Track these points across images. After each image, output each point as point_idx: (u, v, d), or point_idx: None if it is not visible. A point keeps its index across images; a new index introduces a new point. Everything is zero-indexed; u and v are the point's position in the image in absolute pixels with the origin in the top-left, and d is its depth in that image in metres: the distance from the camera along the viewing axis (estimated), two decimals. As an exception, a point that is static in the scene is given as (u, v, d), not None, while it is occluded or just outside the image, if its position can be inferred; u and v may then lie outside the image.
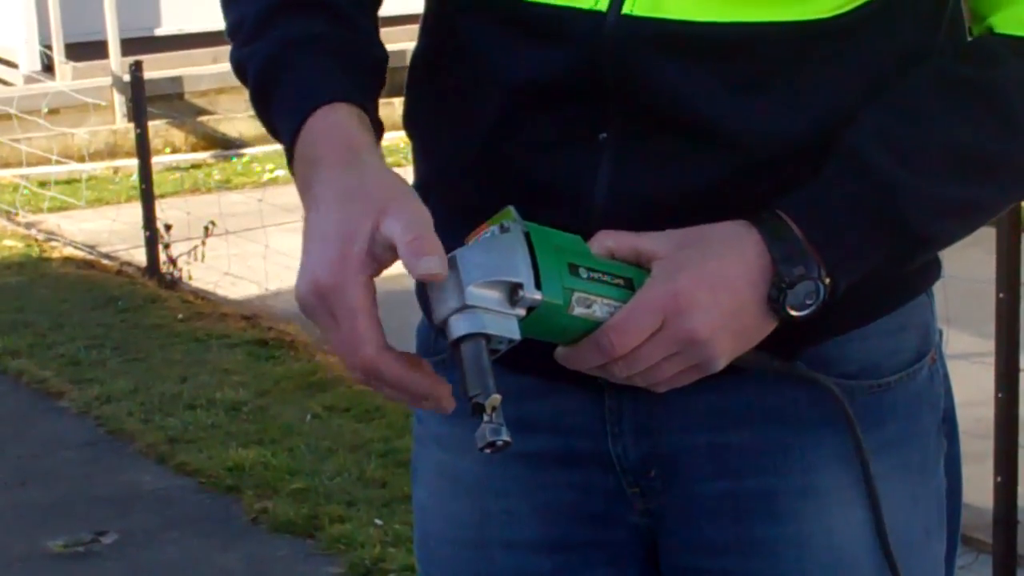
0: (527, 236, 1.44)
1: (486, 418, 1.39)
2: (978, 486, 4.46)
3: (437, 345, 1.72)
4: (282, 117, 1.55)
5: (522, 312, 1.42)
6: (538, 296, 1.42)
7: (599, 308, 1.46)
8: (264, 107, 1.58)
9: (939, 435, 1.71)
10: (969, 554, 4.48)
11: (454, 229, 1.48)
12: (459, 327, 1.41)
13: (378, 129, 1.55)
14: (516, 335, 1.42)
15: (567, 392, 1.63)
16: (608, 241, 1.50)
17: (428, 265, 1.39)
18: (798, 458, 1.63)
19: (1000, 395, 4.16)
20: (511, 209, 1.46)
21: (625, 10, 1.50)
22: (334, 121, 1.52)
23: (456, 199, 1.60)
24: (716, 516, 1.65)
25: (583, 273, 1.46)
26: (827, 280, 1.50)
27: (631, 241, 1.50)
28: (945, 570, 1.74)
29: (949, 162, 1.52)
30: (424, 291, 1.50)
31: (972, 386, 4.86)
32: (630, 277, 1.48)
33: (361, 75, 1.56)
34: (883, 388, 1.65)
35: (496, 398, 1.39)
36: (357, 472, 5.18)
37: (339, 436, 5.53)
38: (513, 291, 1.41)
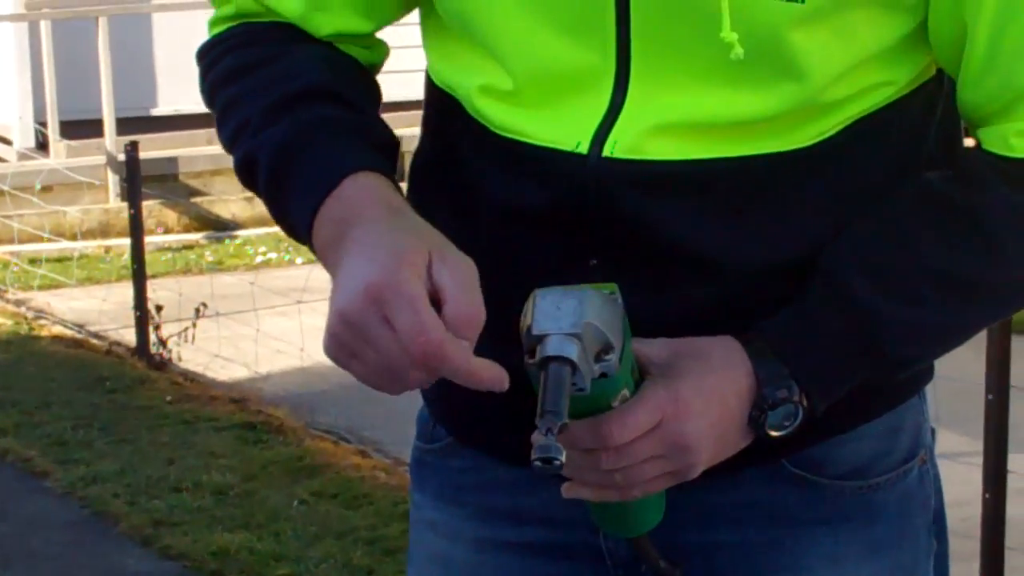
0: (625, 322, 1.47)
1: (550, 437, 1.38)
2: (965, 587, 4.48)
3: (435, 433, 1.75)
4: (303, 192, 1.54)
5: (597, 373, 1.44)
6: (613, 368, 1.44)
7: (622, 397, 1.48)
8: (278, 190, 1.58)
9: (929, 535, 1.72)
10: (956, 655, 4.49)
11: None
12: (561, 347, 1.40)
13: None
14: (585, 386, 1.43)
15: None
16: None
17: (492, 376, 1.41)
18: (789, 559, 1.65)
19: (987, 495, 4.18)
20: (615, 285, 1.47)
21: (605, 153, 1.53)
22: (369, 184, 1.52)
23: None
24: None
25: (634, 373, 1.49)
26: (806, 403, 1.53)
27: (637, 347, 1.51)
28: None
29: (929, 288, 1.54)
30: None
31: (960, 486, 4.87)
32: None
33: (380, 152, 1.57)
34: (873, 488, 1.67)
35: (566, 424, 1.38)
36: (343, 559, 5.18)
37: (326, 522, 5.54)
38: (604, 351, 1.43)
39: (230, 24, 1.69)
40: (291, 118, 1.57)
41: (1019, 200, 1.55)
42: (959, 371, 5.03)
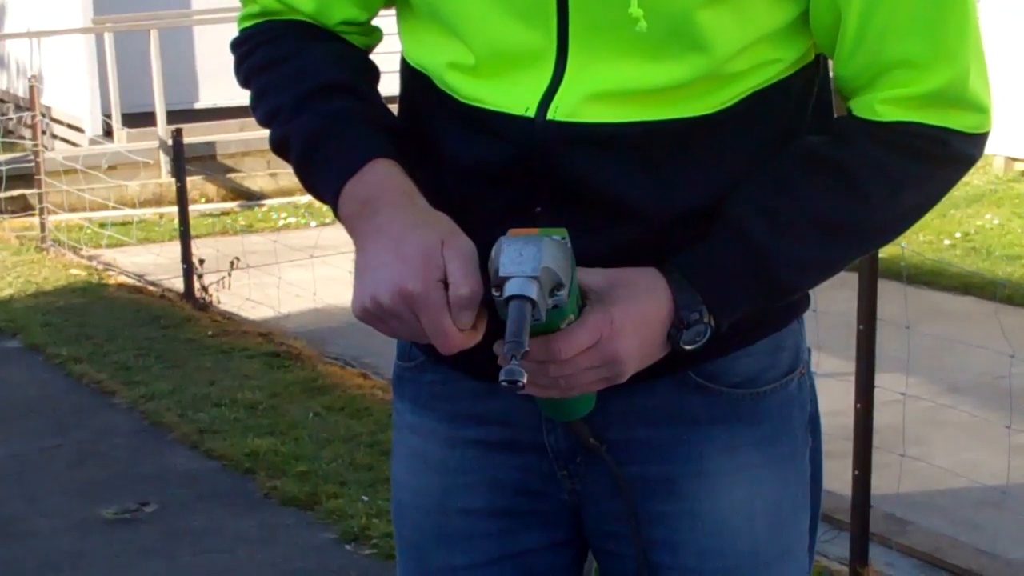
0: (572, 258, 1.46)
1: (516, 362, 1.38)
2: (840, 478, 4.50)
3: (411, 353, 1.75)
4: (331, 172, 1.56)
5: (551, 305, 1.43)
6: (565, 300, 1.44)
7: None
8: (309, 167, 1.59)
9: (805, 432, 1.73)
10: (831, 531, 4.51)
11: None
12: (521, 288, 1.40)
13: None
14: (542, 318, 1.42)
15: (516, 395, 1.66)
16: None
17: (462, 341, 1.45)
18: (693, 450, 1.65)
19: (859, 406, 4.20)
20: (565, 229, 1.47)
21: (549, 116, 1.52)
22: (385, 171, 1.55)
23: None
24: (628, 493, 1.67)
25: (577, 301, 1.49)
26: (713, 323, 1.54)
27: (580, 277, 1.50)
28: (809, 539, 1.76)
29: (809, 228, 1.54)
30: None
31: (837, 398, 4.90)
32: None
33: (389, 136, 1.59)
34: (761, 395, 1.67)
35: (527, 351, 1.39)
36: (349, 459, 5.19)
37: (335, 430, 5.54)
38: (556, 287, 1.43)
39: (257, 20, 1.69)
40: (315, 109, 1.58)
41: (879, 155, 1.55)
42: (837, 307, 5.07)
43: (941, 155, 1.56)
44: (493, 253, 1.43)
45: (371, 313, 1.48)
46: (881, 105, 1.55)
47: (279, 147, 1.62)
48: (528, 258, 1.42)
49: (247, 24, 1.70)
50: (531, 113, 1.53)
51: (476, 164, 1.58)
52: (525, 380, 1.37)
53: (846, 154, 1.55)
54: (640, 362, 1.53)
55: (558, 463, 1.69)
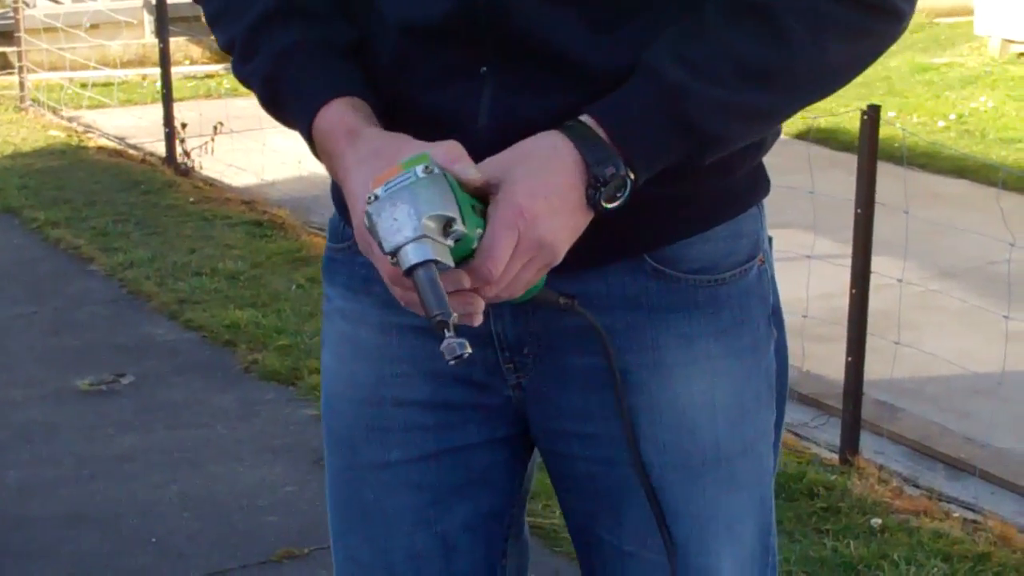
0: (446, 178, 1.36)
1: (449, 334, 1.32)
2: (832, 363, 4.46)
3: (344, 233, 1.67)
4: (294, 122, 1.53)
5: (451, 243, 1.34)
6: (463, 230, 1.34)
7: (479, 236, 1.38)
8: (277, 113, 1.55)
9: (768, 325, 1.65)
10: (822, 417, 4.47)
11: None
12: (416, 254, 1.32)
13: (367, 85, 1.51)
14: (451, 262, 1.34)
15: None
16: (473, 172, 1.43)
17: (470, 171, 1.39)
18: (649, 338, 1.58)
19: (854, 291, 4.11)
20: (427, 153, 1.37)
21: None
22: (332, 118, 1.49)
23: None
24: (581, 387, 1.59)
25: (477, 209, 1.38)
26: (632, 175, 1.43)
27: (462, 175, 1.40)
28: (774, 433, 1.69)
29: (732, 71, 1.44)
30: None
31: (831, 282, 4.84)
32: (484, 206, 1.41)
33: (340, 65, 1.51)
34: (719, 283, 1.60)
35: (455, 316, 1.32)
36: (331, 332, 5.10)
37: (318, 302, 5.41)
38: (448, 224, 1.33)
39: None
40: (265, 49, 1.53)
41: (809, 1, 1.45)
42: (834, 189, 4.98)
43: (872, 1, 1.46)
44: (367, 222, 1.34)
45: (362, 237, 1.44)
46: None
47: (244, 84, 1.58)
48: (404, 219, 1.32)
49: None
50: None
51: (415, 24, 1.49)
52: (468, 350, 1.32)
53: None
54: (570, 235, 1.43)
55: (504, 355, 1.61)
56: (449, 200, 1.34)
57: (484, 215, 1.39)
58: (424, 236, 1.32)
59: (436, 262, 1.32)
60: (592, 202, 1.42)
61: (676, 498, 1.60)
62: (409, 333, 1.62)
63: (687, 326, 1.58)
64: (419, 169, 1.34)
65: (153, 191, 7.24)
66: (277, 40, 1.52)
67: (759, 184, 1.64)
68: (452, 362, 1.32)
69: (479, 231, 1.37)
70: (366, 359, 1.65)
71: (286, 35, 1.52)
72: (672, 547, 1.60)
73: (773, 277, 1.68)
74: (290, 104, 1.52)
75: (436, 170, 1.35)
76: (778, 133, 1.64)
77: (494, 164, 1.41)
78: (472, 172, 1.39)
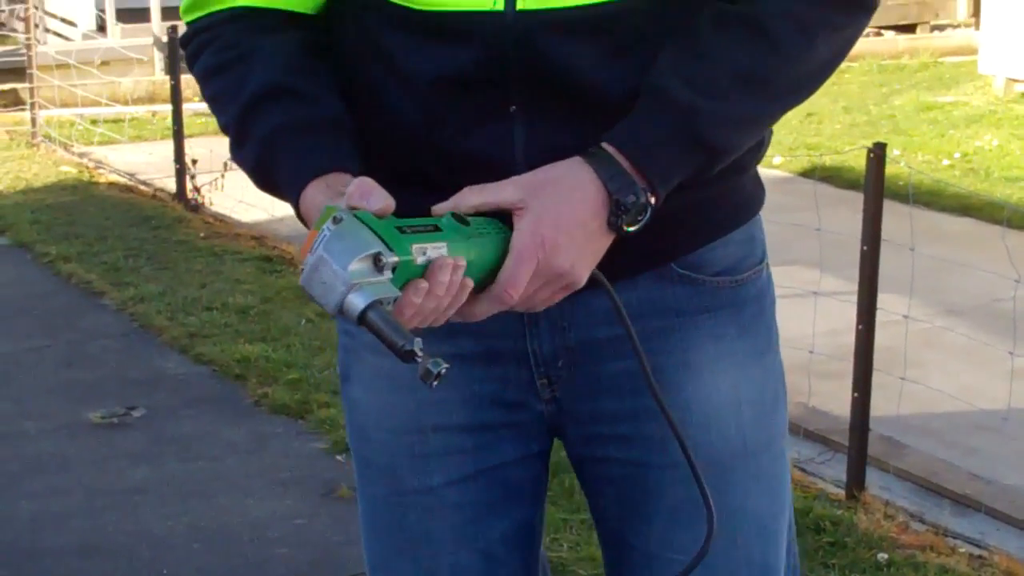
0: (358, 218, 1.40)
1: (420, 359, 1.37)
2: (839, 399, 4.47)
3: None
4: (284, 199, 1.58)
5: (389, 274, 1.39)
6: (395, 258, 1.39)
7: (431, 251, 1.43)
8: (273, 194, 1.60)
9: (775, 323, 1.76)
10: (828, 453, 4.48)
11: (393, 191, 1.47)
12: (357, 304, 1.37)
13: (354, 158, 1.57)
14: (396, 292, 1.40)
15: None
16: (473, 199, 1.50)
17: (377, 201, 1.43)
18: (678, 339, 1.66)
19: (860, 327, 4.13)
20: (333, 206, 1.42)
21: (519, 7, 1.51)
22: (308, 202, 1.53)
23: (393, 169, 1.58)
24: (614, 391, 1.67)
25: (408, 231, 1.42)
26: (652, 198, 1.51)
27: (494, 197, 1.49)
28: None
29: (734, 84, 1.52)
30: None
31: (838, 319, 4.86)
32: (435, 223, 1.46)
33: (322, 142, 1.56)
34: (739, 283, 1.69)
35: (418, 341, 1.37)
36: (341, 367, 5.12)
37: (327, 337, 5.47)
38: (376, 260, 1.38)
39: (197, 15, 1.65)
40: (254, 134, 1.58)
41: (790, 6, 1.53)
42: (840, 226, 5.01)
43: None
44: (307, 294, 1.39)
45: None
46: None
47: (240, 168, 1.63)
48: (331, 276, 1.37)
49: (188, 19, 1.66)
50: (499, 6, 1.51)
51: (443, 73, 1.55)
52: (445, 368, 1.37)
53: (758, 8, 1.53)
54: (590, 262, 1.52)
55: (539, 370, 1.68)
56: (366, 238, 1.38)
57: (506, 234, 1.47)
58: (355, 284, 1.36)
59: (380, 301, 1.37)
60: (614, 227, 1.51)
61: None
62: (448, 360, 1.66)
63: (713, 326, 1.68)
64: (328, 225, 1.39)
65: (164, 226, 7.28)
66: (262, 125, 1.57)
67: (761, 188, 1.74)
68: (434, 383, 1.38)
69: (438, 247, 1.42)
70: (404, 390, 1.71)
71: (271, 119, 1.57)
72: (711, 518, 1.60)
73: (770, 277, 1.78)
74: (279, 189, 1.58)
75: (344, 216, 1.39)
76: (772, 131, 1.71)
77: (519, 185, 1.49)
78: (380, 203, 1.44)
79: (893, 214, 4.53)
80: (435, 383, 1.38)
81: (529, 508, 1.78)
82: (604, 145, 1.51)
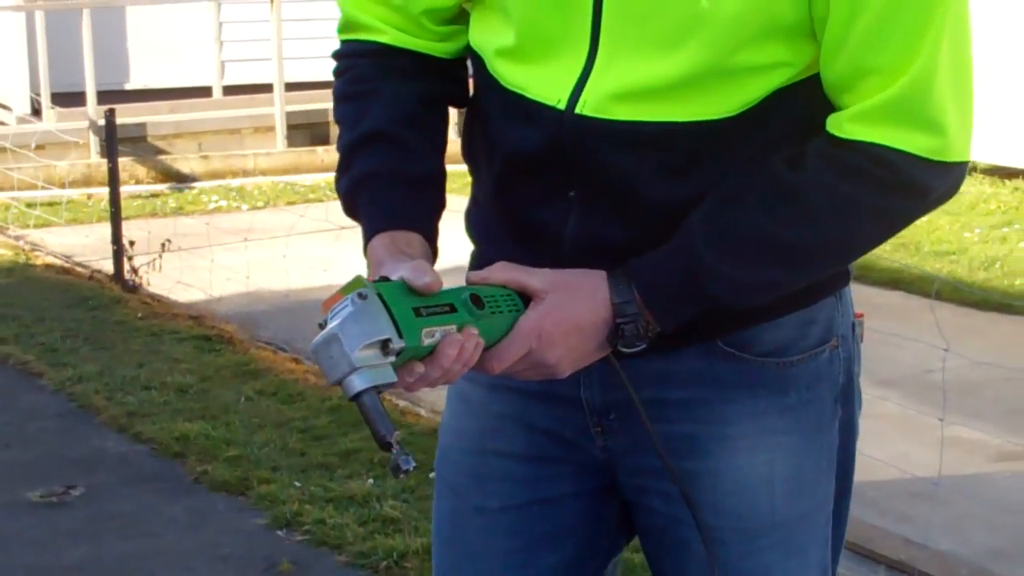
0: (381, 297, 1.49)
1: (395, 451, 1.47)
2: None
3: None
4: (362, 231, 1.71)
5: (393, 358, 1.48)
6: (402, 344, 1.48)
7: (439, 333, 1.53)
8: (353, 219, 1.74)
9: (835, 403, 1.78)
10: None
11: (482, 243, 1.74)
12: (356, 386, 1.46)
13: (429, 217, 1.72)
14: (393, 379, 1.49)
15: None
16: (503, 275, 1.63)
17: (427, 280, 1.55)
18: (717, 412, 1.73)
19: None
20: (361, 276, 1.52)
21: (578, 110, 1.62)
22: (372, 251, 1.67)
23: (485, 223, 1.78)
24: (657, 451, 1.73)
25: (424, 312, 1.52)
26: (650, 332, 1.63)
27: (522, 280, 1.62)
28: (835, 506, 1.81)
29: (760, 251, 1.60)
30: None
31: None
32: (451, 303, 1.56)
33: (402, 196, 1.70)
34: (788, 365, 1.73)
35: (397, 434, 1.47)
36: (281, 444, 5.12)
37: (267, 415, 5.48)
38: (384, 345, 1.47)
39: (347, 36, 1.80)
40: (352, 170, 1.73)
41: (833, 180, 1.57)
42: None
43: (893, 182, 1.57)
44: (312, 353, 1.50)
45: None
46: (849, 123, 1.58)
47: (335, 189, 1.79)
48: (338, 357, 1.47)
49: (341, 37, 1.82)
50: (562, 105, 1.63)
51: (516, 149, 1.68)
52: (413, 464, 1.48)
53: (797, 176, 1.59)
54: (573, 365, 1.64)
55: (593, 419, 1.77)
56: (381, 324, 1.48)
57: (520, 310, 1.59)
58: (357, 368, 1.46)
59: (377, 387, 1.47)
60: (611, 344, 1.63)
61: (731, 554, 1.74)
62: (512, 394, 1.80)
63: (753, 404, 1.73)
64: (352, 298, 1.48)
65: (101, 307, 7.25)
66: (359, 165, 1.73)
67: (837, 276, 1.77)
68: (402, 476, 1.47)
69: (451, 328, 1.53)
70: (474, 414, 1.84)
71: (367, 163, 1.72)
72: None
73: (850, 358, 1.80)
74: (360, 224, 1.72)
75: (368, 294, 1.48)
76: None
77: (546, 278, 1.62)
78: (538, 275, 1.60)
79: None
80: (402, 476, 1.47)
81: (582, 545, 1.84)
82: (627, 271, 1.62)
